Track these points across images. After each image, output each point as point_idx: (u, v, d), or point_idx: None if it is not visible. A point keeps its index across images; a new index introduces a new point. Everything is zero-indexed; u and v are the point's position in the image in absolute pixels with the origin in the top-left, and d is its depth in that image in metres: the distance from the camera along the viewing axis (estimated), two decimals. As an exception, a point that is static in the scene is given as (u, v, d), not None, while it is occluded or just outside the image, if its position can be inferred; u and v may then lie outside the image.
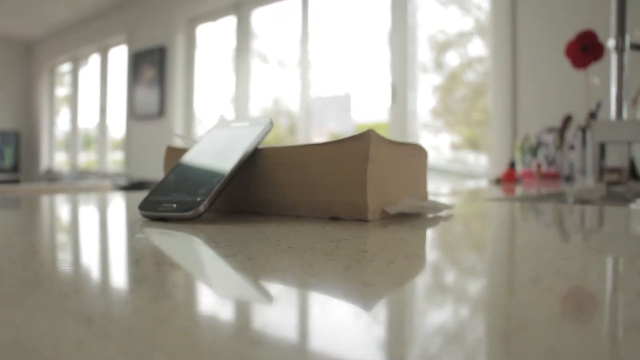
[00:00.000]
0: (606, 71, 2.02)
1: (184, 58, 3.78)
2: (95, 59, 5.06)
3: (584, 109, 2.07)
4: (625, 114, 1.12)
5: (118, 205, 0.58)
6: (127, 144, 4.28)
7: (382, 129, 3.15)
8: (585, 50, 1.97)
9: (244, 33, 3.48)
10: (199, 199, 0.40)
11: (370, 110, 3.30)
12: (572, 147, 2.03)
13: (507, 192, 0.96)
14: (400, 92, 2.86)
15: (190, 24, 3.81)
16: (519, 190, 1.05)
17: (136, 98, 4.10)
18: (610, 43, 1.12)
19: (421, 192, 0.51)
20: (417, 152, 0.50)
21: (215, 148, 0.46)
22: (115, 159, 4.75)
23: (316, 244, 0.30)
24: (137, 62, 4.10)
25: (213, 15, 3.71)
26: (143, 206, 0.41)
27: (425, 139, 2.97)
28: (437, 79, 2.98)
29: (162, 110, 3.83)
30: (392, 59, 2.90)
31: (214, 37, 3.81)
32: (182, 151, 0.51)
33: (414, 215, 0.46)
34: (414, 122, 2.90)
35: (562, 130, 2.10)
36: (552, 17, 2.37)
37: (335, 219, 0.43)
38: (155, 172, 3.75)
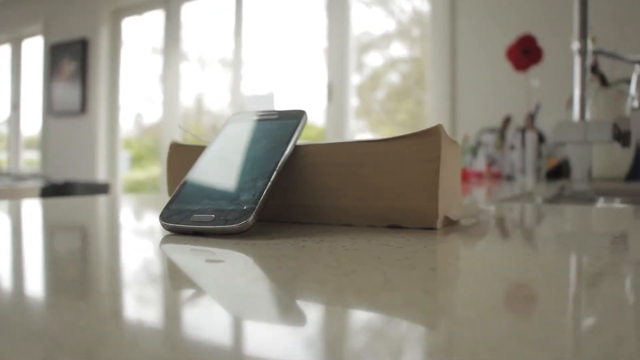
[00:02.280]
0: (545, 74, 2.08)
1: (108, 52, 3.57)
2: (5, 50, 4.68)
3: (523, 110, 2.12)
4: (587, 115, 1.13)
5: (106, 214, 0.49)
6: (44, 143, 3.97)
7: (316, 130, 3.13)
8: (525, 53, 2.02)
9: (172, 28, 3.33)
10: (245, 208, 0.32)
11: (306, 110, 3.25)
12: (512, 147, 2.06)
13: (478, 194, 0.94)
14: (337, 91, 2.83)
15: (115, 16, 3.59)
16: (478, 190, 1.04)
17: (54, 93, 3.81)
18: (574, 46, 1.13)
19: (459, 193, 0.46)
20: (458, 150, 0.45)
21: (245, 145, 0.39)
22: (29, 159, 4.41)
23: (424, 263, 0.24)
24: (55, 54, 3.81)
25: (139, 8, 3.52)
26: (166, 217, 0.33)
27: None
28: (358, 79, 2.99)
29: (84, 107, 3.58)
30: (328, 58, 2.87)
31: (140, 31, 3.62)
32: (193, 148, 0.43)
33: (456, 222, 0.41)
34: (349, 122, 2.88)
35: (502, 131, 2.13)
36: (492, 20, 2.42)
37: (393, 227, 0.37)
38: (79, 172, 3.51)
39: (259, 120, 0.42)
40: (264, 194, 0.34)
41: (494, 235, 0.34)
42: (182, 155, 0.43)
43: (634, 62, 1.17)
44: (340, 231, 0.35)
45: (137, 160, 3.80)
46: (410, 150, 0.37)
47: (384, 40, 3.03)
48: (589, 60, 1.12)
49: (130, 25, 3.63)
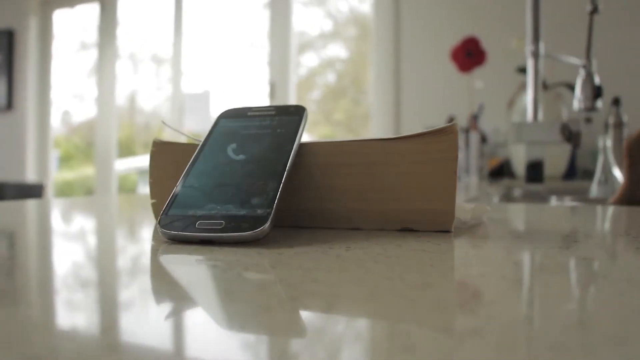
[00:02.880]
0: (488, 76, 2.13)
1: (38, 45, 3.37)
2: None
3: (466, 110, 2.16)
4: (540, 115, 1.15)
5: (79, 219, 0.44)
6: (-36, 140, 3.70)
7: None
8: (469, 55, 2.06)
9: (107, 22, 3.19)
10: (259, 213, 0.29)
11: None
12: (456, 148, 2.10)
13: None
14: (280, 89, 2.80)
15: (44, 7, 3.40)
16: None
17: (-24, 88, 3.56)
18: (528, 49, 1.15)
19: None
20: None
21: (245, 143, 0.35)
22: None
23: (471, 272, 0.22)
24: (-23, 46, 3.56)
25: (71, 0, 3.35)
26: (166, 223, 0.29)
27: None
28: (294, 79, 2.99)
29: (10, 102, 3.37)
30: (270, 57, 2.83)
31: (72, 24, 3.45)
32: (177, 146, 0.39)
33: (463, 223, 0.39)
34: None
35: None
36: (436, 21, 2.45)
37: (405, 230, 0.35)
38: (6, 172, 3.29)
39: (255, 117, 0.38)
40: (277, 196, 0.30)
41: (519, 236, 0.33)
42: (166, 154, 0.39)
43: (578, 66, 1.20)
44: (356, 236, 0.33)
45: (65, 160, 3.63)
46: (426, 150, 0.35)
47: (321, 40, 3.03)
48: (542, 63, 1.15)
49: (61, 18, 3.45)
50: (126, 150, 3.40)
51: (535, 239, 0.32)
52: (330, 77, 3.12)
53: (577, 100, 1.19)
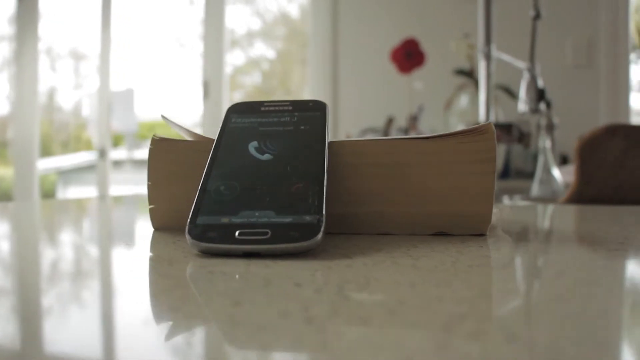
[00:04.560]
0: (426, 77, 2.16)
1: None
2: None
3: (405, 111, 2.19)
4: (492, 116, 1.17)
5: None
6: None
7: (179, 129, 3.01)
8: (409, 56, 2.08)
9: (26, 14, 2.98)
10: (309, 219, 0.26)
11: (178, 108, 3.13)
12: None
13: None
14: (215, 88, 2.73)
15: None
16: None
17: None
18: (480, 51, 1.17)
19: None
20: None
21: (267, 141, 0.32)
22: None
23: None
24: None
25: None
26: (197, 233, 0.26)
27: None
28: (227, 77, 2.96)
29: None
30: (205, 54, 2.76)
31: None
32: (180, 143, 0.35)
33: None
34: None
35: (385, 131, 2.19)
36: (374, 23, 2.46)
37: (439, 234, 0.33)
38: None
39: (271, 112, 0.35)
40: (324, 199, 0.27)
41: (557, 238, 0.31)
42: (166, 153, 0.35)
43: (523, 69, 1.23)
44: (398, 241, 0.30)
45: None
46: (461, 149, 0.33)
47: (248, 38, 2.99)
48: (495, 67, 1.17)
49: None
50: (43, 150, 3.20)
51: (582, 241, 0.30)
52: (257, 77, 3.09)
53: (522, 103, 1.22)
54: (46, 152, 3.22)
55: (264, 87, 3.13)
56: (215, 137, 0.33)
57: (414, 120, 2.09)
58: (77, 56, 3.22)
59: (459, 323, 0.15)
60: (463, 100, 2.10)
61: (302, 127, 0.33)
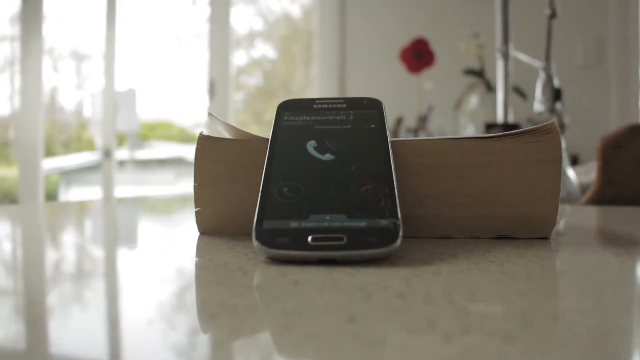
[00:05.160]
0: (436, 76, 2.15)
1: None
2: None
3: (414, 111, 2.17)
4: (510, 117, 1.16)
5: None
6: None
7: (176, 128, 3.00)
8: (418, 56, 2.07)
9: (31, 13, 2.97)
10: (384, 223, 0.24)
11: (181, 108, 3.12)
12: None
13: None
14: (220, 88, 2.72)
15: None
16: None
17: None
18: (498, 50, 1.15)
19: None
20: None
21: (325, 140, 0.30)
22: None
23: None
24: None
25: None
26: (266, 239, 0.24)
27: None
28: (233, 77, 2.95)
29: None
30: (211, 53, 2.74)
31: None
32: (227, 143, 0.33)
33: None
34: (233, 120, 2.78)
35: (394, 132, 2.17)
36: (383, 22, 2.45)
37: (501, 238, 0.31)
38: None
39: (325, 110, 0.33)
40: (397, 202, 0.26)
41: (614, 239, 0.30)
42: (214, 153, 0.33)
43: (539, 69, 1.21)
44: (465, 245, 0.29)
45: (-23, 161, 3.36)
46: (526, 149, 0.31)
47: (249, 38, 2.98)
48: (511, 65, 1.15)
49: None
50: (46, 150, 3.19)
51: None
52: (258, 77, 3.07)
53: (538, 103, 1.21)
54: (48, 152, 3.21)
55: (266, 88, 3.12)
56: (270, 136, 0.32)
57: (423, 120, 2.07)
58: (78, 56, 3.20)
59: (619, 337, 0.13)
60: (473, 100, 2.08)
61: (361, 126, 0.32)
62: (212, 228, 0.34)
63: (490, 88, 2.05)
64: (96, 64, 3.02)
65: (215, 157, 0.33)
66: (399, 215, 0.25)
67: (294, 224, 0.25)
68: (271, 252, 0.24)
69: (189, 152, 3.20)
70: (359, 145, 0.30)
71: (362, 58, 2.49)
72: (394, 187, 0.27)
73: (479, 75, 2.09)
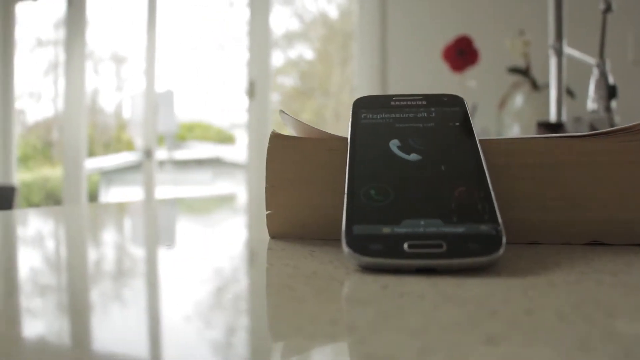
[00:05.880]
0: (480, 75, 2.11)
1: (0, 39, 3.17)
2: None
3: (456, 111, 2.12)
4: (564, 115, 1.12)
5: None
6: None
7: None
8: (461, 54, 2.03)
9: (75, 18, 3.03)
10: (484, 228, 0.22)
11: (219, 109, 3.14)
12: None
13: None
14: (260, 88, 2.72)
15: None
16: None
17: None
18: (551, 47, 1.11)
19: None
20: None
21: (409, 139, 0.29)
22: None
23: None
24: None
25: (35, -8, 3.17)
26: (359, 245, 0.22)
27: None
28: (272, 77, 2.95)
29: (-31, 100, 3.16)
30: (250, 53, 2.75)
31: (39, 18, 3.27)
32: (301, 142, 0.32)
33: None
34: (271, 121, 2.78)
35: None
36: (424, 20, 2.42)
37: (593, 244, 0.29)
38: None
39: (404, 107, 0.32)
40: (496, 208, 0.24)
41: None
42: (287, 152, 0.32)
43: (592, 65, 1.17)
44: (562, 252, 0.27)
45: (22, 161, 3.44)
46: (623, 150, 0.29)
47: (286, 39, 2.97)
48: (564, 62, 1.11)
49: (24, 12, 3.27)
50: (87, 150, 3.26)
51: None
52: (295, 78, 3.06)
53: (591, 101, 1.16)
54: (90, 152, 3.27)
55: (302, 88, 3.11)
56: (348, 135, 0.30)
57: (465, 120, 2.03)
58: (118, 59, 3.25)
59: None
60: (518, 99, 2.03)
61: (445, 124, 0.30)
62: (283, 232, 0.32)
63: (536, 86, 2.00)
64: (135, 66, 3.07)
65: (289, 157, 0.32)
66: (500, 220, 0.23)
67: (386, 230, 0.23)
68: (364, 260, 0.22)
69: (225, 152, 3.22)
70: (446, 145, 0.28)
71: (403, 57, 2.46)
72: (489, 189, 0.25)
73: (524, 74, 2.03)
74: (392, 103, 0.32)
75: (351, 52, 2.81)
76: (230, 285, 0.21)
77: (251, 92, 2.76)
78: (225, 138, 3.28)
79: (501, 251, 0.22)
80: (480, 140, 0.29)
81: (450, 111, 0.31)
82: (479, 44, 1.99)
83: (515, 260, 0.25)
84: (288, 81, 3.09)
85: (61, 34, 3.13)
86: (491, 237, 0.22)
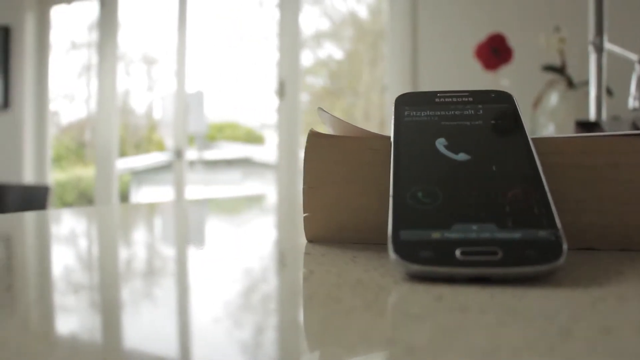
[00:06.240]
0: (514, 73, 2.06)
1: (35, 42, 3.23)
2: None
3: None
4: (604, 114, 1.08)
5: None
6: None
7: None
8: (495, 52, 1.99)
9: (107, 20, 3.07)
10: (543, 234, 0.21)
11: (249, 109, 3.15)
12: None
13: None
14: (290, 88, 2.71)
15: (42, 2, 3.27)
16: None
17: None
18: (591, 43, 1.07)
19: None
20: None
21: (456, 137, 0.27)
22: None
23: None
24: (-30, 43, 3.41)
25: (69, -5, 3.22)
26: (407, 252, 0.21)
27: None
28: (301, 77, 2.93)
29: (7, 101, 3.22)
30: (280, 53, 2.74)
31: (70, 22, 3.33)
32: (339, 141, 0.30)
33: None
34: (301, 121, 2.77)
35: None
36: (457, 18, 2.38)
37: (627, 250, 0.27)
38: (4, 173, 3.16)
39: (449, 104, 0.30)
40: (554, 211, 0.22)
41: None
42: (327, 150, 0.30)
43: (633, 62, 1.12)
44: (623, 259, 0.24)
45: (56, 161, 3.51)
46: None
47: (315, 39, 2.96)
48: (605, 59, 1.07)
49: (59, 15, 3.33)
50: (119, 151, 3.30)
51: None
52: (324, 78, 3.05)
53: (633, 98, 1.12)
54: (121, 153, 3.32)
55: (331, 88, 3.10)
56: (391, 133, 0.29)
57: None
58: (148, 60, 3.29)
59: None
60: (553, 98, 1.98)
61: (493, 122, 0.28)
62: (321, 236, 0.31)
63: (571, 85, 1.95)
64: (165, 67, 3.09)
65: (328, 156, 0.30)
66: (559, 224, 0.22)
67: (436, 235, 0.22)
68: (413, 267, 0.20)
69: (255, 152, 3.23)
70: (496, 143, 0.27)
71: (434, 56, 2.42)
72: (545, 192, 0.23)
73: (560, 72, 1.98)
74: (437, 100, 0.30)
75: (381, 52, 2.78)
76: (271, 295, 0.19)
77: (281, 92, 2.76)
78: (254, 138, 3.29)
79: (562, 259, 0.20)
80: (535, 139, 0.27)
81: (499, 108, 0.29)
82: (512, 41, 1.95)
83: (572, 269, 0.23)
84: (317, 81, 3.08)
85: (94, 36, 3.18)
86: (550, 243, 0.21)
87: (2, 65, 3.22)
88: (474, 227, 0.22)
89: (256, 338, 0.14)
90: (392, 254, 0.21)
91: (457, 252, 0.20)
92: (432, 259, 0.20)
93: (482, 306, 0.17)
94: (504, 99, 0.30)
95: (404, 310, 0.17)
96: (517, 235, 0.21)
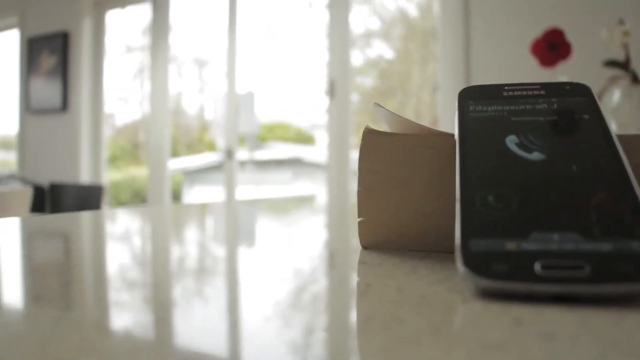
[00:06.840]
0: (574, 70, 1.97)
1: (92, 46, 3.34)
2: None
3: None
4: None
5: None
6: (22, 142, 3.69)
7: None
8: (552, 48, 1.91)
9: (159, 23, 3.13)
10: (637, 246, 0.18)
11: (301, 111, 3.15)
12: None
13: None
14: (341, 88, 2.69)
15: (98, 8, 3.37)
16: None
17: (32, 90, 3.54)
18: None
19: None
20: None
21: (529, 134, 0.24)
22: (3, 159, 4.12)
23: None
24: (32, 48, 3.54)
25: (123, 0, 3.30)
26: (480, 265, 0.18)
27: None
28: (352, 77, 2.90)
29: (65, 104, 3.34)
30: (330, 53, 2.73)
31: (126, 25, 3.41)
32: (389, 136, 0.28)
33: None
34: (351, 121, 2.74)
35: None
36: (510, 13, 2.31)
37: None
38: (60, 174, 3.28)
39: (519, 98, 0.27)
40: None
41: None
42: (384, 149, 0.28)
43: None
44: None
45: (111, 162, 3.61)
46: None
47: (365, 38, 2.92)
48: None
49: (114, 19, 3.42)
50: (172, 151, 3.36)
51: None
52: (373, 78, 3.01)
53: None
54: (173, 153, 3.38)
55: (382, 88, 3.06)
56: (456, 131, 0.26)
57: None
58: (199, 62, 3.33)
59: None
60: (615, 95, 1.89)
61: (571, 116, 0.25)
62: (378, 242, 0.29)
63: (636, 80, 1.85)
64: (216, 69, 3.13)
65: (385, 155, 0.28)
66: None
67: (511, 246, 0.19)
68: (486, 283, 0.18)
69: (305, 152, 3.23)
70: (575, 141, 0.24)
71: (487, 53, 2.36)
72: (637, 195, 0.20)
73: (623, 67, 1.89)
74: (505, 93, 0.27)
75: (432, 51, 2.73)
76: (321, 313, 0.17)
77: (331, 92, 2.74)
78: (305, 138, 3.29)
79: None
80: (618, 136, 0.24)
81: (575, 101, 0.26)
82: (571, 36, 1.87)
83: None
84: (367, 81, 3.05)
85: (147, 39, 3.25)
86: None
87: (61, 69, 3.33)
88: (555, 236, 0.19)
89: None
90: (460, 267, 0.19)
91: (537, 266, 0.18)
92: (507, 273, 0.18)
93: (573, 333, 0.14)
94: (580, 91, 0.27)
95: (479, 337, 0.15)
96: (606, 246, 0.18)
